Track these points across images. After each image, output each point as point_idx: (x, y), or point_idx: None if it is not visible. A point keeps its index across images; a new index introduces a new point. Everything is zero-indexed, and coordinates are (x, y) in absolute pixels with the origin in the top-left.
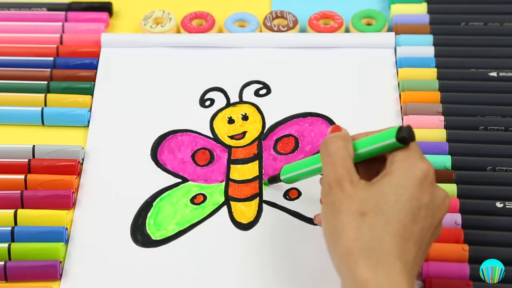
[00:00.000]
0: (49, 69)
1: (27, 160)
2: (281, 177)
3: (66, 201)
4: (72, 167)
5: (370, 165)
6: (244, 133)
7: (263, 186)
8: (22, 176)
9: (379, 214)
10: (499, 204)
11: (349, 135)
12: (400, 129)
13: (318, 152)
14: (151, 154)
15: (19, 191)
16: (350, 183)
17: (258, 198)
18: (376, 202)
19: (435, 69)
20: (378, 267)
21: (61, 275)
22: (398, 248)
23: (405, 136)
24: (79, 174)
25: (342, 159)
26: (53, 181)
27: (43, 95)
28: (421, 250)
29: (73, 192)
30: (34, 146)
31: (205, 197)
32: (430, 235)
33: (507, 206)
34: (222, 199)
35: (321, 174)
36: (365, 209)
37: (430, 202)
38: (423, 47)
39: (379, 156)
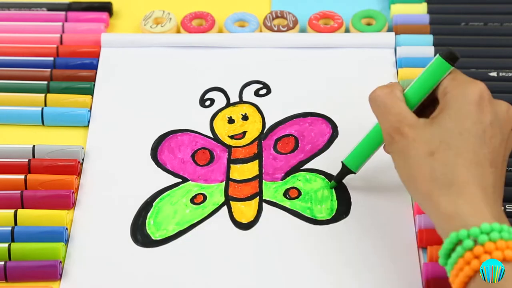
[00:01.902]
0: (49, 69)
1: (27, 160)
2: (348, 165)
3: (66, 201)
4: (72, 167)
5: (423, 111)
6: (244, 133)
7: (331, 185)
8: (22, 176)
9: (447, 149)
10: (508, 207)
11: (396, 82)
12: (442, 53)
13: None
14: (151, 154)
15: (19, 191)
16: (409, 127)
17: (258, 197)
18: (440, 138)
19: None
20: (460, 200)
21: (61, 275)
22: (475, 176)
23: (451, 52)
24: (79, 174)
25: (392, 105)
26: (53, 181)
27: (43, 95)
28: (498, 170)
29: (73, 192)
30: (34, 146)
31: (205, 197)
32: (503, 150)
33: (507, 209)
34: (222, 199)
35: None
36: (433, 148)
37: (494, 120)
38: (423, 47)
39: (430, 100)
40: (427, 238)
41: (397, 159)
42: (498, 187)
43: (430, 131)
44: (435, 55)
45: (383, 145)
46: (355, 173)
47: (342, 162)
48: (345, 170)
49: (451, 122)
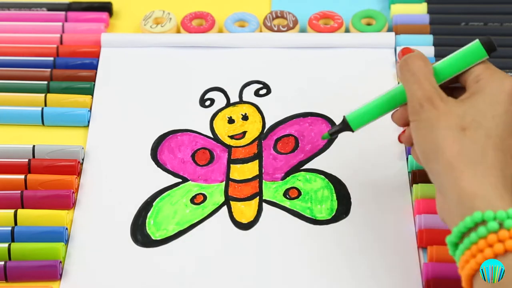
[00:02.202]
0: (49, 69)
1: (27, 160)
2: (348, 118)
3: (66, 201)
4: (72, 167)
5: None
6: (244, 133)
7: (324, 136)
8: (22, 176)
9: (478, 128)
10: None
11: (424, 55)
12: (481, 38)
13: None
14: (151, 154)
15: (19, 191)
16: (441, 99)
17: (258, 197)
18: (473, 117)
19: None
20: (484, 180)
21: (61, 275)
22: (500, 162)
23: (491, 42)
24: (79, 174)
25: (426, 77)
26: (53, 181)
27: (43, 95)
28: None
29: (73, 192)
30: (34, 146)
31: (205, 197)
32: None
33: None
34: (222, 199)
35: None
36: (465, 124)
37: None
38: (423, 47)
39: (449, 84)
40: (427, 238)
41: (422, 127)
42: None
43: (462, 108)
44: (435, 55)
45: (394, 111)
46: (353, 131)
47: (344, 116)
48: (345, 126)
49: (485, 105)
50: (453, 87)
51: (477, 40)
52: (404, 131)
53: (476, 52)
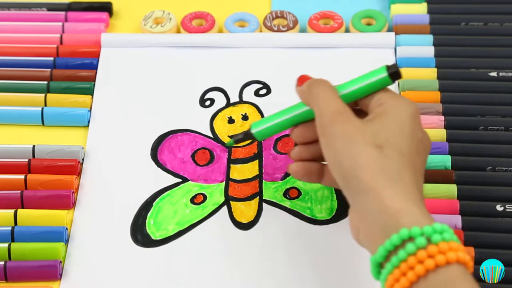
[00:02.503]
0: (49, 69)
1: (27, 160)
2: (253, 131)
3: (66, 201)
4: (72, 167)
5: None
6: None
7: (228, 143)
8: (22, 176)
9: (392, 147)
10: (499, 208)
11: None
12: (388, 66)
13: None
14: (151, 154)
15: (19, 191)
16: (354, 117)
17: (258, 197)
18: (386, 136)
19: (435, 69)
20: (407, 198)
21: (61, 275)
22: (415, 180)
23: (397, 71)
24: (79, 174)
25: (334, 96)
26: (53, 181)
27: (43, 95)
28: (422, 182)
29: (73, 192)
30: (34, 146)
31: (205, 197)
32: (423, 171)
33: (507, 209)
34: (222, 199)
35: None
36: (380, 142)
37: (422, 138)
38: (423, 47)
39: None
40: None
41: (337, 142)
42: (423, 196)
43: (373, 126)
44: (435, 55)
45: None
46: (258, 141)
47: (250, 126)
48: (249, 135)
49: (392, 124)
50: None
51: (385, 71)
52: (292, 148)
53: (382, 80)
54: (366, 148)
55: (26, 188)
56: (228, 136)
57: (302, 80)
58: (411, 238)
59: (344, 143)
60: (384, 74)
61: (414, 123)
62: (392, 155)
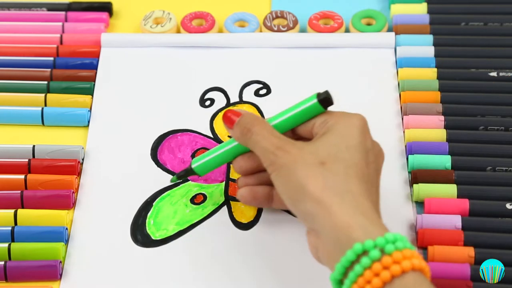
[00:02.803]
0: (49, 69)
1: (27, 160)
2: (193, 166)
3: (66, 201)
4: (72, 167)
5: None
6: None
7: (172, 179)
8: (22, 176)
9: (336, 161)
10: (509, 206)
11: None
12: (319, 93)
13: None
14: (151, 154)
15: (19, 191)
16: (292, 145)
17: None
18: (328, 152)
19: (435, 69)
20: (356, 210)
21: (61, 275)
22: (364, 190)
23: (327, 97)
24: (79, 174)
25: (270, 132)
26: (53, 181)
27: (43, 95)
28: (378, 192)
29: (73, 192)
30: (34, 146)
31: (205, 197)
32: (378, 181)
33: (508, 208)
34: (222, 199)
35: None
36: (322, 159)
37: (372, 148)
38: (423, 47)
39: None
40: (427, 238)
41: (282, 174)
42: (378, 205)
43: (315, 145)
44: (435, 55)
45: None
46: (200, 176)
47: (190, 162)
48: (191, 171)
49: (338, 138)
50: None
51: (315, 98)
52: (238, 189)
53: (313, 107)
54: (307, 169)
55: (26, 188)
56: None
57: (229, 120)
58: (365, 252)
59: (288, 172)
60: (314, 101)
61: (361, 134)
62: (337, 169)
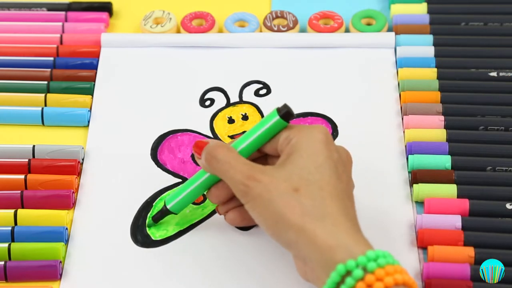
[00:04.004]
0: (49, 69)
1: (27, 160)
2: (168, 206)
3: (66, 201)
4: (72, 167)
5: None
6: (244, 133)
7: (147, 229)
8: (22, 176)
9: (309, 184)
10: (509, 206)
11: (222, 142)
12: (279, 108)
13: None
14: (151, 154)
15: (19, 191)
16: (262, 172)
17: None
18: (298, 176)
19: (435, 69)
20: (336, 231)
21: (61, 275)
22: (342, 209)
23: (287, 111)
24: (79, 174)
25: (236, 159)
26: (53, 181)
27: (43, 95)
28: (353, 204)
29: (73, 192)
30: (34, 146)
31: (205, 197)
32: (351, 187)
33: (508, 208)
34: None
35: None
36: (295, 185)
37: (339, 158)
38: (423, 47)
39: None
40: (427, 238)
41: (257, 205)
42: (356, 220)
43: (285, 171)
44: (435, 55)
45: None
46: (176, 214)
47: (164, 203)
48: (167, 211)
49: (304, 160)
50: (266, 156)
51: (276, 116)
52: (226, 213)
53: (277, 124)
54: (284, 197)
55: (26, 188)
56: (151, 218)
57: (197, 148)
58: (348, 272)
59: (263, 203)
60: (276, 117)
61: (326, 148)
62: (311, 193)
